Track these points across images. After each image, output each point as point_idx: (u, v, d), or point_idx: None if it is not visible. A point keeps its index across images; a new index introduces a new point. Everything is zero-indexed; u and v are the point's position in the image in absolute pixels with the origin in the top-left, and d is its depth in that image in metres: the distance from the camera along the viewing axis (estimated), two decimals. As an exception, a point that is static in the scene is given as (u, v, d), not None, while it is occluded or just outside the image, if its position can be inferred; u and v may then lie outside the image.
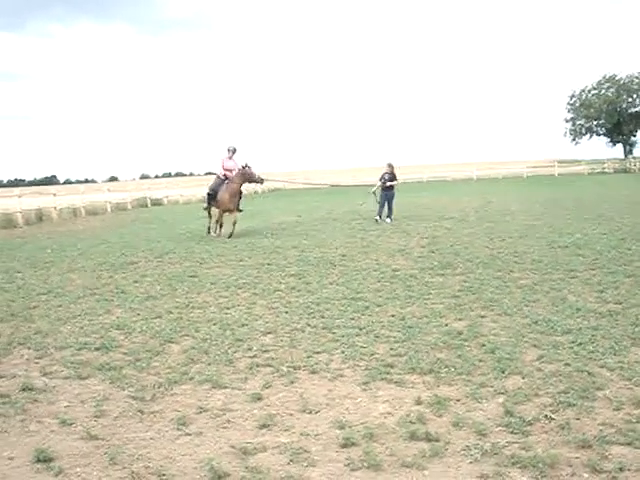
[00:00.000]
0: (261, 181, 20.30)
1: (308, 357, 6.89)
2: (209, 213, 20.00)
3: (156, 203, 47.05)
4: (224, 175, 19.47)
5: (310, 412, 5.44)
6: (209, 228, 19.97)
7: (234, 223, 19.11)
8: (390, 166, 22.39)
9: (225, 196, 18.99)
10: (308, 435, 4.97)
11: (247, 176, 19.28)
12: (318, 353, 7.03)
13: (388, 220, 21.40)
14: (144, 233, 22.07)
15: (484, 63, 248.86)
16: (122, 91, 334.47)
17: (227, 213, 19.38)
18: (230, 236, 18.65)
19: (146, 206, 44.65)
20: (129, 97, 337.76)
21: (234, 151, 19.78)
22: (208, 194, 19.71)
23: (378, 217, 21.62)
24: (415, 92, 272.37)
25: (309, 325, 8.19)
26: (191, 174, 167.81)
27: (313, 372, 6.44)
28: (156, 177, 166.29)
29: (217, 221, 19.65)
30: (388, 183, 21.88)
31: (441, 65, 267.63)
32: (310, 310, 8.96)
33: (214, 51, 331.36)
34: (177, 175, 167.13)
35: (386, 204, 21.84)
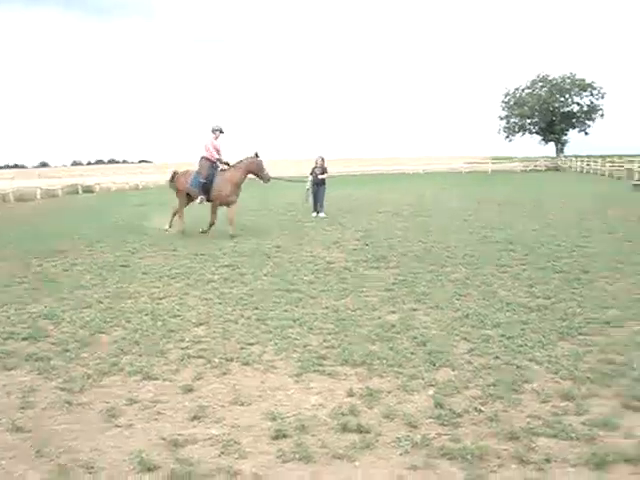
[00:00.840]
0: (268, 179, 16.97)
1: (241, 348, 6.86)
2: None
3: (88, 190, 46.13)
4: (216, 160, 16.55)
5: (242, 404, 5.41)
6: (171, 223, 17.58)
7: (232, 220, 16.52)
8: (322, 159, 21.90)
9: (227, 186, 16.31)
10: (239, 427, 4.95)
11: (256, 167, 16.56)
12: (251, 345, 7.00)
13: (321, 214, 21.02)
14: (75, 221, 21.64)
15: (426, 60, 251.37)
16: (53, 75, 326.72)
17: (225, 206, 16.71)
18: (233, 237, 15.85)
19: (77, 193, 43.79)
20: (60, 81, 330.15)
21: (221, 131, 16.69)
22: (203, 184, 16.33)
23: (315, 213, 21.23)
24: (356, 86, 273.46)
25: (242, 316, 8.16)
26: (124, 161, 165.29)
27: (246, 364, 6.41)
28: (89, 164, 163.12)
29: (177, 213, 17.35)
30: (320, 176, 21.51)
31: (383, 61, 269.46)
32: (244, 301, 8.92)
33: (147, 35, 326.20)
34: (110, 162, 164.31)
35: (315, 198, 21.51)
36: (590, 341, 6.83)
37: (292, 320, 7.90)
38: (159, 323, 7.90)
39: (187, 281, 10.49)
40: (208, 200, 16.58)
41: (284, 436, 4.75)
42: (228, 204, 16.61)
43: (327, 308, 8.48)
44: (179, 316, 8.25)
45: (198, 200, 16.58)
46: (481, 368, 6.07)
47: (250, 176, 16.73)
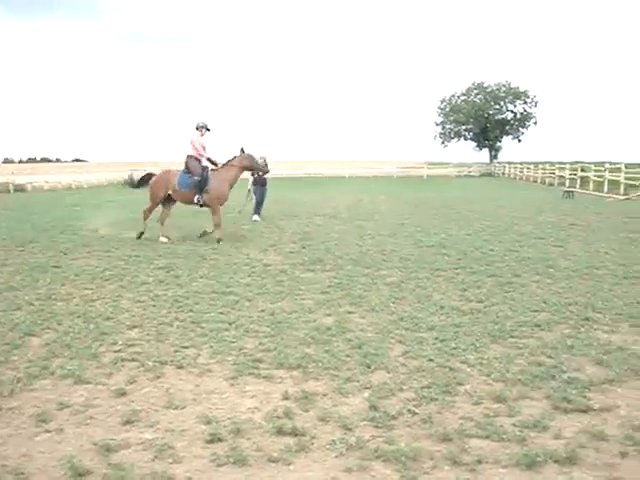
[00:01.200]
0: (267, 171, 17.67)
1: (175, 352, 6.79)
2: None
3: (19, 189, 45.14)
4: (206, 158, 15.73)
5: (176, 407, 5.35)
6: (142, 233, 16.03)
7: (219, 223, 15.67)
8: (264, 159, 20.00)
9: (226, 186, 15.64)
10: (173, 431, 4.89)
11: (249, 162, 16.16)
12: (186, 347, 6.93)
13: (255, 217, 20.37)
14: (5, 220, 21.16)
15: (362, 65, 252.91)
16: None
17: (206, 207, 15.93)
18: (219, 241, 15.07)
19: (8, 192, 42.77)
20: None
21: (207, 128, 15.81)
22: (197, 182, 15.31)
23: (256, 216, 20.52)
24: (293, 89, 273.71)
25: (177, 319, 8.07)
26: (58, 160, 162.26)
27: (180, 367, 6.34)
28: (20, 162, 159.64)
29: (146, 215, 16.06)
30: (265, 176, 20.10)
31: (322, 65, 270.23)
32: (178, 304, 8.83)
33: (76, 34, 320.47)
34: (43, 160, 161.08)
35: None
36: (521, 344, 6.96)
37: (228, 323, 7.85)
38: (91, 326, 7.76)
39: (121, 283, 10.33)
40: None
41: (219, 440, 4.71)
42: (221, 205, 15.86)
43: (263, 311, 8.46)
44: (112, 319, 8.12)
45: (195, 200, 15.47)
46: (415, 370, 6.13)
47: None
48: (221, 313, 8.34)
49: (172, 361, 6.49)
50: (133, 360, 6.54)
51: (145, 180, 16.75)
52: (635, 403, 5.36)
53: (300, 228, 17.96)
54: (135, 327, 7.75)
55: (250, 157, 16.18)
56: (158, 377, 6.07)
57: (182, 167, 15.87)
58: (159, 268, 11.58)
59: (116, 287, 10.03)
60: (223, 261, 12.34)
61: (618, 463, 4.31)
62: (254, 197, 21.08)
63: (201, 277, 10.76)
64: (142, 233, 15.95)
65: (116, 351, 6.83)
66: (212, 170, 15.77)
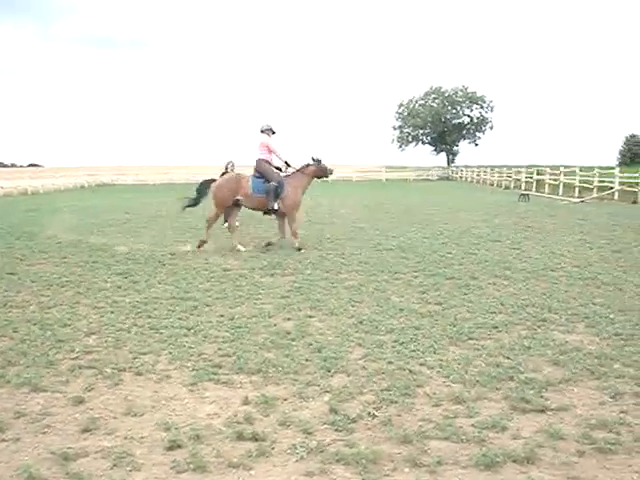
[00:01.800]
0: (332, 172, 16.16)
1: (134, 358, 6.72)
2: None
3: (-27, 195, 44.38)
4: (284, 162, 15.19)
5: (135, 415, 5.30)
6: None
7: (296, 231, 14.88)
8: (232, 164, 19.45)
9: (299, 194, 14.96)
10: (132, 438, 4.84)
11: (321, 172, 15.56)
12: (144, 354, 6.87)
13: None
14: (-42, 227, 20.71)
15: (321, 70, 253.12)
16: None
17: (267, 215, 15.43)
18: (300, 249, 14.25)
19: (-38, 198, 42.04)
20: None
21: (272, 131, 15.02)
22: (275, 188, 14.46)
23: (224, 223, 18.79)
24: (255, 91, 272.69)
25: (135, 325, 7.99)
26: (13, 165, 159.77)
27: (138, 374, 6.28)
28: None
29: (210, 224, 14.94)
30: None
31: (283, 69, 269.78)
32: (137, 310, 8.74)
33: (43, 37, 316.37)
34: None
35: None
36: (479, 345, 7.03)
37: (186, 328, 7.79)
38: (48, 333, 7.64)
39: (78, 289, 10.20)
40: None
41: (178, 446, 4.67)
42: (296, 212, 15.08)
43: (222, 316, 8.42)
44: (69, 325, 8.01)
45: (271, 207, 14.54)
46: (375, 373, 6.15)
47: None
48: (180, 319, 8.28)
49: (130, 368, 6.43)
50: (91, 367, 6.45)
51: (207, 185, 15.20)
52: (591, 402, 5.45)
53: (259, 232, 17.91)
54: (93, 334, 7.65)
55: (323, 168, 15.50)
56: (116, 384, 6.00)
57: (235, 171, 15.52)
58: (117, 274, 11.46)
59: (73, 294, 9.90)
60: (181, 266, 12.26)
61: (575, 462, 4.38)
62: None
63: (159, 283, 10.67)
64: (204, 242, 14.71)
65: (73, 358, 6.74)
66: (285, 176, 15.08)
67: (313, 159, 15.46)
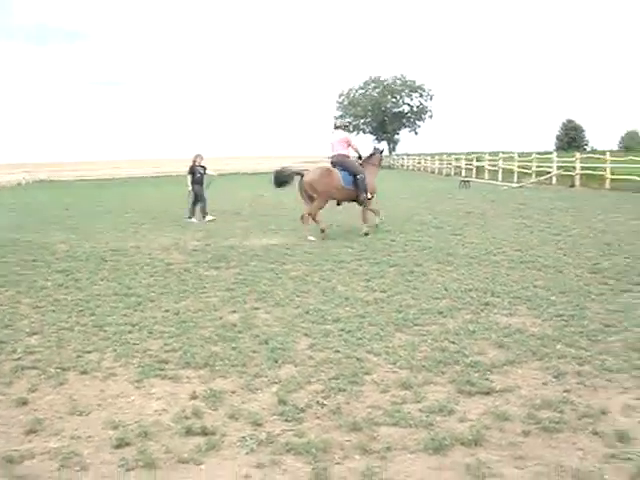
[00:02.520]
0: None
1: (78, 357, 6.60)
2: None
3: None
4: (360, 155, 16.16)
5: (81, 414, 5.21)
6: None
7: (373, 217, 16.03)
8: (201, 157, 20.21)
9: (374, 182, 16.17)
10: (79, 438, 4.75)
11: (380, 161, 17.33)
12: (88, 352, 6.75)
13: (208, 217, 19.46)
14: None
15: (262, 62, 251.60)
16: None
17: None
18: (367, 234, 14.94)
19: None
20: None
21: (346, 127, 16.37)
22: (362, 180, 15.24)
23: (190, 217, 19.42)
24: (197, 85, 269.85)
25: (78, 323, 7.86)
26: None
27: (83, 372, 6.17)
28: None
29: (315, 216, 15.20)
30: (209, 172, 20.32)
31: (223, 61, 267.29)
32: (79, 308, 8.60)
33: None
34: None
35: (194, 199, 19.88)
36: (425, 331, 7.11)
37: (131, 325, 7.70)
38: (-12, 334, 7.47)
39: (18, 288, 9.96)
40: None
41: (127, 444, 4.61)
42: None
43: (167, 311, 8.34)
44: (10, 326, 7.83)
45: (363, 197, 15.32)
46: (322, 362, 6.17)
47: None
48: (124, 315, 8.17)
49: (75, 367, 6.31)
50: (34, 368, 6.32)
51: (290, 177, 15.76)
52: (535, 383, 5.56)
53: (202, 226, 17.79)
54: (35, 334, 7.50)
55: (379, 159, 16.96)
56: (61, 384, 5.89)
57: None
58: (58, 272, 11.24)
59: (13, 293, 9.67)
60: (124, 262, 12.10)
61: (521, 442, 4.45)
62: (192, 199, 19.90)
63: (102, 279, 10.51)
64: (324, 230, 15.02)
65: (16, 359, 6.58)
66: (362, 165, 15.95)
67: (375, 148, 17.11)
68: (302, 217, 15.44)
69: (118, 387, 5.79)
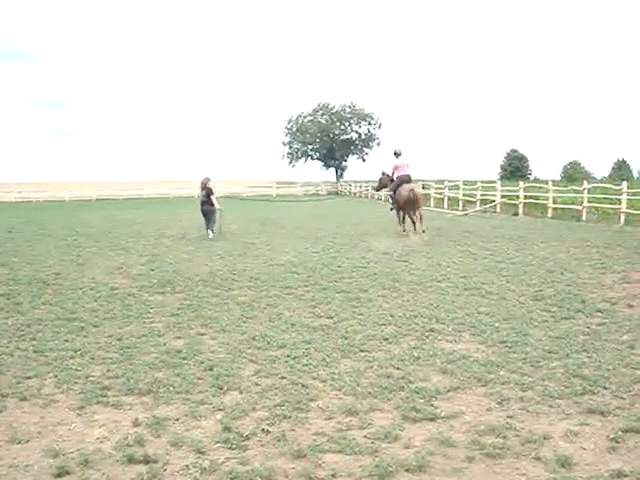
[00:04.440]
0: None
1: (17, 383, 6.46)
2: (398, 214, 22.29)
3: None
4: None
5: (20, 442, 5.08)
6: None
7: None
8: (208, 179, 21.83)
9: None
10: (18, 467, 4.64)
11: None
12: (29, 378, 6.61)
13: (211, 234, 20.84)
14: None
15: (211, 85, 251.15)
16: None
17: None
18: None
19: None
20: None
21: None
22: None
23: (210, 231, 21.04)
24: (144, 106, 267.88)
25: (18, 348, 7.68)
26: None
27: (23, 399, 6.04)
28: None
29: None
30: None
31: (171, 83, 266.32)
32: (20, 332, 8.41)
33: None
34: None
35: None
36: (370, 357, 7.14)
37: (73, 350, 7.56)
38: None
39: (-45, 313, 9.71)
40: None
41: (67, 473, 4.52)
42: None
43: (110, 336, 8.22)
44: (-53, 351, 7.63)
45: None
46: (268, 389, 6.15)
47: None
48: (66, 340, 8.02)
49: (14, 393, 6.17)
50: (-29, 394, 6.16)
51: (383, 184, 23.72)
52: (479, 409, 5.63)
53: (148, 250, 17.60)
54: (-27, 359, 7.32)
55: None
56: (0, 411, 5.75)
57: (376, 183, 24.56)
58: (-2, 295, 10.99)
59: (-50, 318, 9.42)
60: (67, 286, 11.89)
61: (466, 467, 4.50)
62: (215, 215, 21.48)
63: (44, 303, 10.31)
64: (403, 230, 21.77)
65: (-48, 386, 6.42)
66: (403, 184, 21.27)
67: (383, 173, 23.31)
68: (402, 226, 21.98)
69: (59, 414, 5.68)
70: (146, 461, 4.68)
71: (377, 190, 28.04)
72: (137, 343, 7.88)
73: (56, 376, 6.66)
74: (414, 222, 21.08)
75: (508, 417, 5.40)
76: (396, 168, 21.82)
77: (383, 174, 23.28)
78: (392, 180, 22.15)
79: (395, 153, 22.02)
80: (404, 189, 20.73)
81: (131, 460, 4.70)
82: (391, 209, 23.02)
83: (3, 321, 9.10)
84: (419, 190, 21.88)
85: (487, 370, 6.61)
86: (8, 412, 5.74)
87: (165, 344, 7.83)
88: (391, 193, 22.34)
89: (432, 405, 5.69)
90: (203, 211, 21.46)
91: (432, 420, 5.39)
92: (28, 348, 7.70)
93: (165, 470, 4.55)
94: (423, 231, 20.13)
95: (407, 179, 21.43)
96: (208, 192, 21.52)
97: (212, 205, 21.29)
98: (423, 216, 21.07)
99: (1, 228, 26.57)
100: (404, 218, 22.05)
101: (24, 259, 15.77)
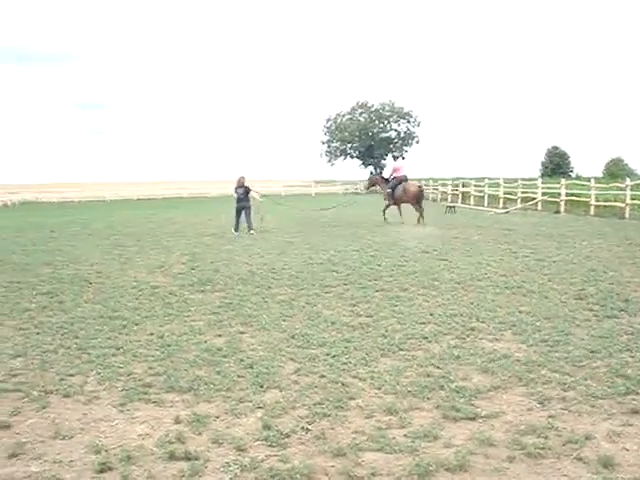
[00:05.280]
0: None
1: (61, 380, 6.55)
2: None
3: None
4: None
5: (63, 438, 5.16)
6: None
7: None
8: (243, 177, 22.37)
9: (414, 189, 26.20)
10: (61, 462, 4.71)
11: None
12: (72, 375, 6.71)
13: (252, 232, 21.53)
14: None
15: (250, 85, 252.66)
16: None
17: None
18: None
19: None
20: None
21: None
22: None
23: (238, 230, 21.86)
24: (180, 107, 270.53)
25: (62, 346, 7.80)
26: None
27: (66, 395, 6.12)
28: None
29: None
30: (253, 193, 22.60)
31: (211, 83, 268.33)
32: (63, 330, 8.54)
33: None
34: None
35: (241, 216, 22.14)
36: (410, 356, 7.11)
37: (115, 348, 7.65)
38: (-30, 357, 7.40)
39: (1, 310, 9.89)
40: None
41: (109, 469, 4.57)
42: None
43: (152, 334, 8.30)
44: (-7, 348, 7.77)
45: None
46: (307, 387, 6.16)
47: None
48: (108, 338, 8.12)
49: (58, 390, 6.26)
50: (17, 390, 6.27)
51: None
52: (520, 408, 5.57)
53: (188, 248, 17.75)
54: (18, 356, 7.44)
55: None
56: (44, 407, 5.84)
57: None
58: (42, 294, 11.17)
59: (-4, 315, 9.60)
60: (109, 285, 12.04)
61: (506, 467, 4.46)
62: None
63: (86, 302, 10.45)
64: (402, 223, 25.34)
65: (-2, 382, 6.54)
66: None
67: (372, 172, 30.12)
68: (418, 219, 25.19)
69: (101, 411, 5.75)
70: (187, 458, 4.71)
71: (367, 188, 32.01)
72: (178, 341, 7.95)
73: (99, 373, 6.74)
74: (420, 213, 25.49)
75: (550, 417, 5.34)
76: (395, 170, 27.13)
77: (371, 174, 29.49)
78: (385, 180, 27.53)
79: (394, 157, 31.42)
80: (412, 186, 26.34)
81: (172, 457, 4.74)
82: (387, 205, 26.87)
83: (47, 319, 9.24)
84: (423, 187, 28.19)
85: (528, 369, 6.54)
86: (52, 408, 5.83)
87: (206, 342, 7.88)
88: (389, 190, 26.37)
89: (472, 404, 5.65)
90: (238, 208, 22.08)
91: (472, 419, 5.35)
92: (71, 346, 7.82)
93: (206, 467, 4.58)
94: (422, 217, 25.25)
95: (404, 179, 26.41)
96: (246, 190, 21.97)
97: (249, 202, 21.97)
98: (424, 208, 25.94)
99: (44, 228, 27.02)
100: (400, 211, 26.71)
101: (67, 258, 16.01)
